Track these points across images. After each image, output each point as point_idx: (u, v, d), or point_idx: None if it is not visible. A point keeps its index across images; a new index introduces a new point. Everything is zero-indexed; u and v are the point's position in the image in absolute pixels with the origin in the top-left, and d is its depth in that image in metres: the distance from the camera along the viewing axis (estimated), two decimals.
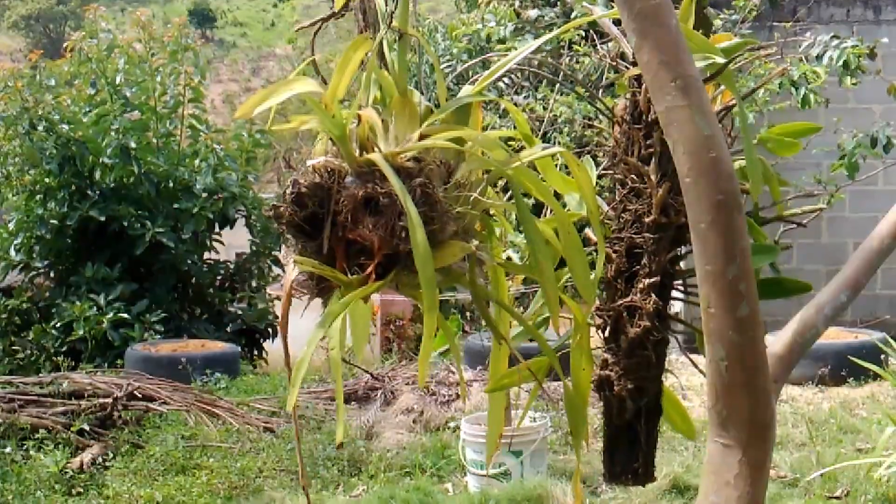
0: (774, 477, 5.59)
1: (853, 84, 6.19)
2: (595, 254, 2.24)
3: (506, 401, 2.42)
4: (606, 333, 2.39)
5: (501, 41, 7.35)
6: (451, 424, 6.74)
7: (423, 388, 7.43)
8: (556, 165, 2.32)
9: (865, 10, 10.52)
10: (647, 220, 2.31)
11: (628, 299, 2.32)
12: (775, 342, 2.02)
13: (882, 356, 7.18)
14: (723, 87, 2.36)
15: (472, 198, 1.88)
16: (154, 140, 10.43)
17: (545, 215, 2.39)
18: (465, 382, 2.52)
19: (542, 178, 2.09)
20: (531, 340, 2.29)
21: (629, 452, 2.37)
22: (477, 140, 1.93)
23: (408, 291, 1.86)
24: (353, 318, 2.12)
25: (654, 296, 2.29)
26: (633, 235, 2.33)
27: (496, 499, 5.27)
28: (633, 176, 2.34)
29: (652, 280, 2.30)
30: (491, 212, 2.07)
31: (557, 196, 2.23)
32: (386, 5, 2.03)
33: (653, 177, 2.30)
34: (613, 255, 2.36)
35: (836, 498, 5.25)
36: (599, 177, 2.51)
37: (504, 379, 2.30)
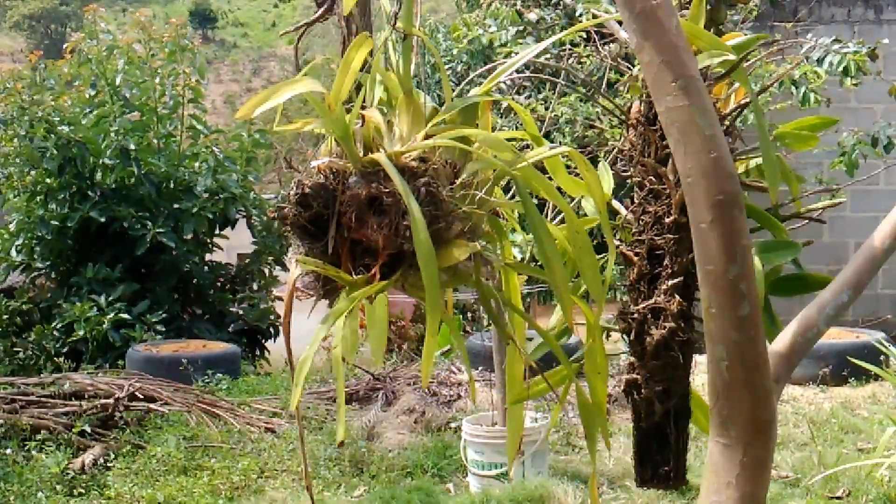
0: (776, 477, 5.59)
1: (854, 85, 6.19)
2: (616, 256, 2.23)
3: (523, 406, 2.41)
4: (632, 337, 2.37)
5: (503, 45, 7.35)
6: (453, 425, 6.74)
7: (425, 388, 7.43)
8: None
9: (866, 9, 10.52)
10: (667, 220, 2.30)
11: (652, 301, 2.31)
12: (777, 341, 2.02)
13: (883, 356, 7.17)
14: (735, 86, 2.36)
15: (478, 197, 1.88)
16: (154, 141, 10.44)
17: (548, 215, 2.39)
18: (474, 382, 2.50)
19: (549, 178, 2.08)
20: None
21: (659, 455, 2.36)
22: (483, 140, 1.93)
23: (414, 291, 1.86)
24: (370, 322, 2.11)
25: (677, 296, 2.29)
26: (654, 237, 2.32)
27: (498, 499, 5.27)
28: (650, 177, 2.34)
29: (675, 281, 2.29)
30: (500, 213, 2.06)
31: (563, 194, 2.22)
32: (390, 6, 2.03)
33: (671, 177, 2.30)
34: (635, 258, 2.36)
35: (838, 498, 5.25)
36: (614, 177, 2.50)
37: (531, 388, 2.29)
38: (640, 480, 2.41)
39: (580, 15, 6.34)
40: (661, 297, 2.30)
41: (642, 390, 2.32)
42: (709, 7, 2.31)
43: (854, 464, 5.33)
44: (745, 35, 2.33)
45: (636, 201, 2.39)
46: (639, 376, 2.33)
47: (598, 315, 2.11)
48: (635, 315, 2.35)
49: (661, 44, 1.74)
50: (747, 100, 2.36)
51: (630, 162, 2.41)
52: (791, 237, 2.48)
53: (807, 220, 2.55)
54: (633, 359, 2.36)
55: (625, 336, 2.40)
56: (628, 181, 2.46)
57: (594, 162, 2.59)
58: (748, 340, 1.80)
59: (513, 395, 2.32)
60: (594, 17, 2.71)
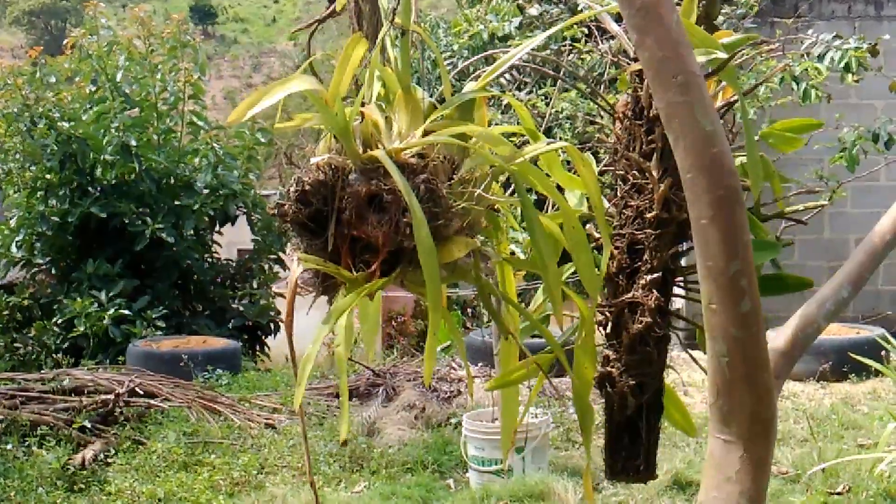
0: (776, 473, 5.59)
1: (855, 81, 6.19)
2: (599, 250, 2.23)
3: (518, 397, 2.42)
4: (608, 330, 2.38)
5: (507, 37, 7.34)
6: (453, 420, 6.74)
7: (428, 385, 7.44)
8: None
9: (867, 5, 10.50)
10: (648, 215, 2.30)
11: (630, 295, 2.31)
12: (777, 338, 2.02)
13: (883, 352, 7.18)
14: (724, 83, 2.36)
15: (476, 194, 1.88)
16: (154, 137, 10.43)
17: (547, 211, 2.38)
18: (471, 378, 2.52)
19: (546, 174, 2.09)
20: (534, 336, 2.29)
21: (631, 449, 2.37)
22: (481, 136, 1.93)
23: (414, 288, 1.86)
24: (363, 316, 2.11)
25: (655, 292, 2.29)
26: (635, 231, 2.32)
27: (498, 495, 5.28)
28: (634, 172, 2.34)
29: (654, 276, 2.29)
30: (497, 207, 2.06)
31: (561, 191, 2.22)
32: (388, 2, 2.03)
33: (654, 172, 2.30)
34: (615, 252, 2.36)
35: (838, 494, 5.25)
36: (601, 173, 2.50)
37: (510, 375, 2.30)
38: (609, 473, 2.42)
39: (582, 10, 6.33)
40: (640, 291, 2.30)
41: (616, 384, 2.33)
42: (703, 2, 2.31)
43: (854, 457, 5.32)
44: (740, 33, 2.33)
45: (619, 195, 2.39)
46: (614, 370, 2.33)
47: (593, 309, 2.12)
48: (613, 308, 2.35)
49: (661, 40, 1.74)
50: (736, 98, 2.36)
51: (615, 155, 2.41)
52: (789, 234, 2.48)
53: (793, 222, 2.54)
54: (608, 352, 2.36)
55: (601, 329, 2.40)
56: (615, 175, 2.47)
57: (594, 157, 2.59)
58: (749, 337, 1.80)
59: (498, 381, 2.32)
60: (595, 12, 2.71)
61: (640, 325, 2.30)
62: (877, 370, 6.80)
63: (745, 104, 2.24)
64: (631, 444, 2.36)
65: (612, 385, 2.34)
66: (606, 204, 2.47)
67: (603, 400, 2.40)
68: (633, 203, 2.34)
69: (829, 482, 5.35)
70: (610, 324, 2.37)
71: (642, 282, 2.30)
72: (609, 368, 2.35)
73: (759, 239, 2.31)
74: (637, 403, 2.34)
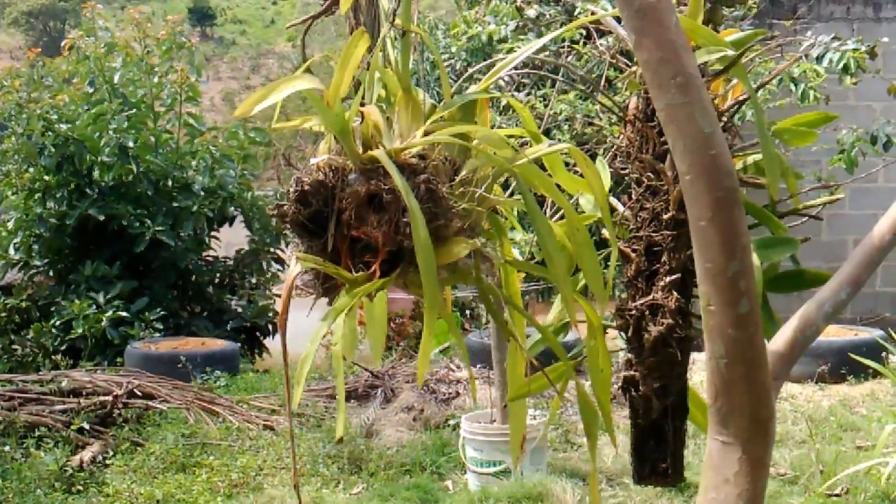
0: (774, 474, 5.59)
1: (853, 83, 6.20)
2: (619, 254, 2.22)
3: (525, 403, 2.40)
4: (629, 333, 2.37)
5: (503, 40, 7.36)
6: (452, 422, 6.74)
7: (420, 387, 7.43)
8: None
9: (865, 7, 10.51)
10: (664, 217, 2.30)
11: (650, 298, 2.31)
12: (776, 339, 2.01)
13: (882, 353, 7.18)
14: (733, 82, 2.36)
15: (477, 195, 1.87)
16: (152, 139, 10.43)
17: (547, 212, 2.38)
18: (474, 379, 2.51)
19: (549, 175, 2.08)
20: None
21: (657, 452, 2.36)
22: (483, 137, 1.92)
23: (414, 289, 1.85)
24: (370, 318, 2.10)
25: (675, 293, 2.28)
26: (652, 233, 2.32)
27: (496, 497, 5.27)
28: (648, 174, 2.33)
29: (673, 277, 2.29)
30: (498, 209, 2.06)
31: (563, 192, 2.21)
32: (388, 3, 2.03)
33: (669, 173, 2.29)
34: (633, 255, 2.35)
35: (836, 495, 5.25)
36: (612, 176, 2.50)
37: (531, 385, 2.28)
38: (637, 477, 2.41)
39: (579, 12, 6.34)
40: (659, 293, 2.29)
41: (640, 387, 2.32)
42: (707, 6, 2.30)
43: (856, 467, 5.30)
44: (743, 32, 2.33)
45: (634, 198, 2.38)
46: (636, 373, 2.33)
47: (602, 314, 2.11)
48: (633, 311, 2.34)
49: (660, 41, 1.73)
50: (745, 96, 2.36)
51: (628, 158, 2.40)
52: (789, 234, 2.47)
53: (805, 218, 2.54)
54: (630, 356, 2.36)
55: (622, 333, 2.40)
56: (626, 178, 2.46)
57: (592, 159, 2.58)
58: (747, 338, 1.79)
59: (514, 392, 2.31)
60: (592, 13, 2.72)
61: (661, 327, 2.29)
62: (875, 372, 6.81)
63: (758, 101, 2.23)
64: (657, 447, 2.36)
65: (636, 389, 2.33)
66: (621, 207, 2.47)
67: (618, 405, 2.40)
68: (648, 205, 2.34)
69: (828, 484, 5.35)
70: (631, 327, 2.37)
71: (661, 284, 2.30)
72: (632, 372, 2.35)
73: (777, 235, 2.30)
74: (662, 406, 2.33)
